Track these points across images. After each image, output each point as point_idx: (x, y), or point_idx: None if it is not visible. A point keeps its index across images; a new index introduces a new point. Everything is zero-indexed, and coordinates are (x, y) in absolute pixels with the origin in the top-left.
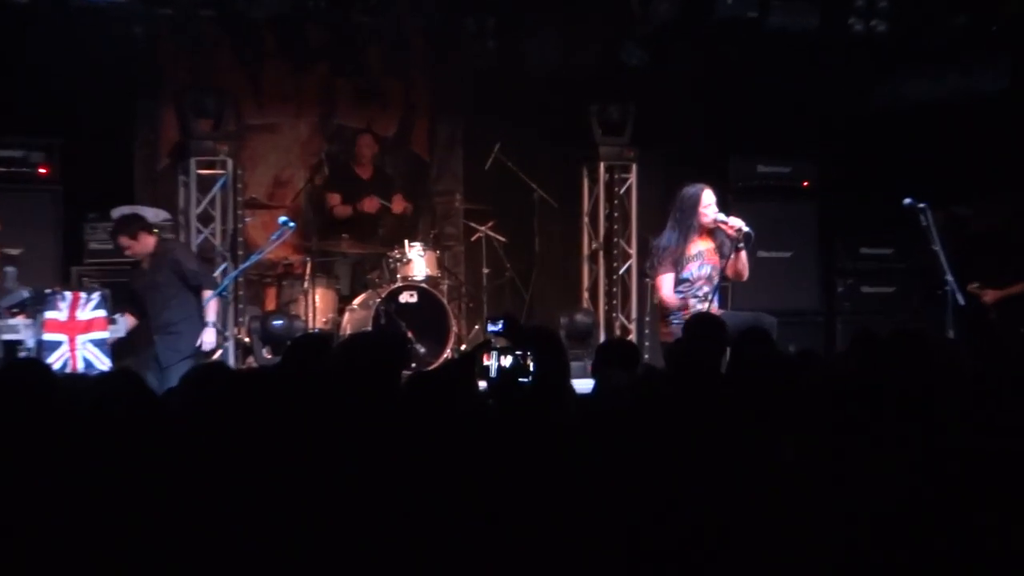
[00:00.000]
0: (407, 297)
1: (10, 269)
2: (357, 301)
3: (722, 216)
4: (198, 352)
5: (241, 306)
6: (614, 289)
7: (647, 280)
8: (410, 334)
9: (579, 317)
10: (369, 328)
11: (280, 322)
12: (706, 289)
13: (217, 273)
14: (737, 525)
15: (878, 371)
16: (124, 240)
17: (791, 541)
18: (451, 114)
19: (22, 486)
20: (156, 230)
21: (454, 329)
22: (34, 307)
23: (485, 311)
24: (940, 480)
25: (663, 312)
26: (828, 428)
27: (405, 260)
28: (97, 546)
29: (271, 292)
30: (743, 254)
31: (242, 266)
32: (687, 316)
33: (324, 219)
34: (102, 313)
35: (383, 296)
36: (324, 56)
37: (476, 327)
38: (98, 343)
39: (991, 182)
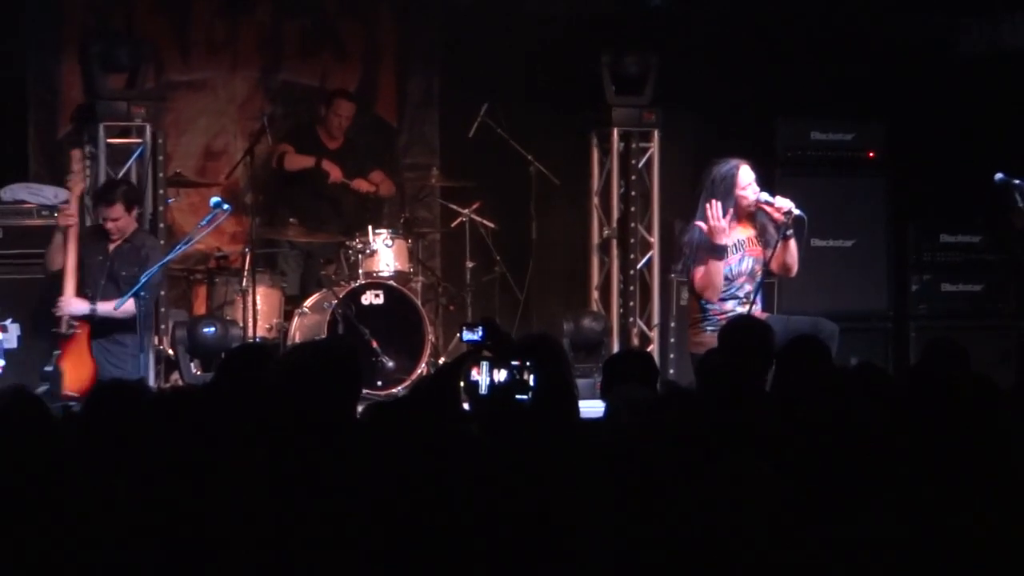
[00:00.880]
0: (371, 298)
1: None
2: (308, 303)
3: (766, 196)
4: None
5: (163, 310)
6: (631, 287)
7: (673, 277)
8: (375, 344)
9: (587, 322)
10: (323, 336)
11: (212, 329)
12: (748, 288)
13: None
14: None
15: (955, 389)
16: (120, 211)
17: None
18: (425, 66)
19: None
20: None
21: (430, 338)
22: None
23: (469, 315)
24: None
25: (694, 317)
26: (887, 466)
27: (368, 251)
28: None
29: (201, 292)
30: (792, 243)
31: (164, 258)
32: (724, 321)
33: (269, 193)
34: None
35: (341, 297)
36: None
37: (458, 336)
38: None
39: None
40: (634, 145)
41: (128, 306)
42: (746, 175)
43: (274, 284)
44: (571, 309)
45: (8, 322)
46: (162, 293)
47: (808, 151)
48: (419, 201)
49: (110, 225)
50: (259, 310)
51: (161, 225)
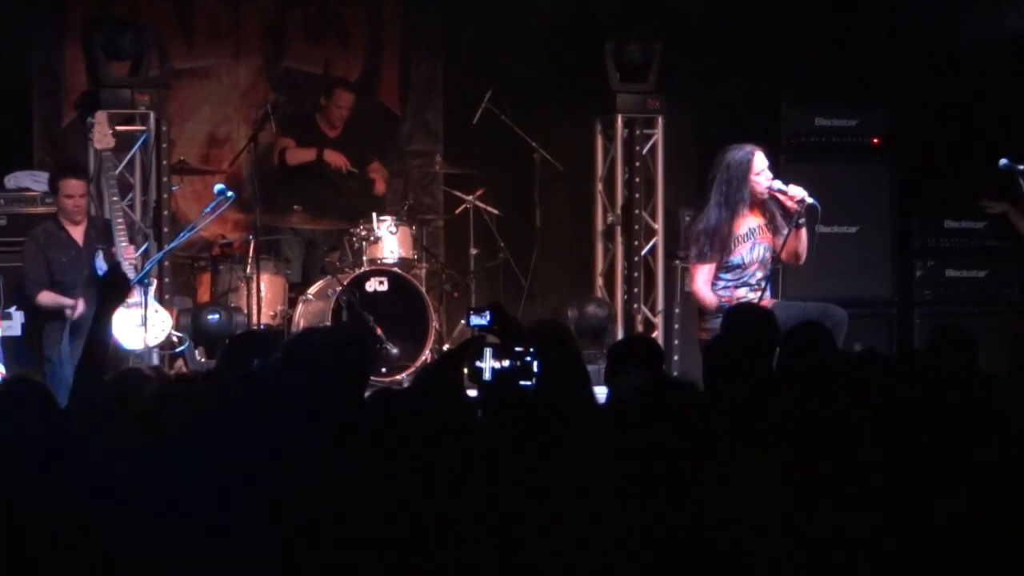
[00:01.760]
0: (375, 284)
1: None
2: (313, 290)
3: (779, 184)
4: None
5: (167, 297)
6: (635, 274)
7: (677, 263)
8: (379, 331)
9: (591, 309)
10: (327, 323)
11: (216, 316)
12: (760, 275)
13: (138, 255)
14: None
15: (963, 377)
16: (86, 187)
17: None
18: (428, 52)
19: None
20: None
21: (434, 324)
22: None
23: (473, 301)
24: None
25: (702, 307)
26: (894, 453)
27: (372, 238)
28: None
29: (205, 279)
30: (804, 232)
31: (168, 246)
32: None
33: (272, 180)
34: None
35: (345, 284)
36: None
37: (463, 322)
38: None
39: None
40: (638, 132)
41: None
42: (760, 161)
43: (278, 271)
44: (575, 296)
45: (12, 310)
46: (166, 280)
47: (812, 137)
48: (423, 188)
49: (78, 202)
50: (263, 297)
51: (165, 212)
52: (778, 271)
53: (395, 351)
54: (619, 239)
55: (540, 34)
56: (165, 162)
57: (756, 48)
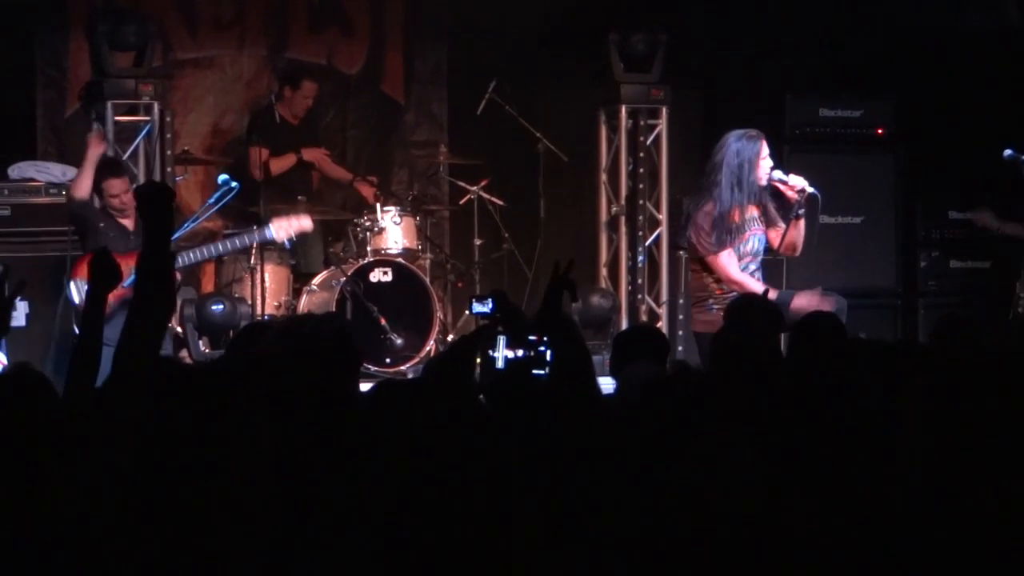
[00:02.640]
0: (379, 275)
1: None
2: (317, 280)
3: (779, 174)
4: None
5: None
6: (639, 264)
7: (681, 254)
8: (383, 322)
9: (595, 300)
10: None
11: (220, 307)
12: (753, 267)
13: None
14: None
15: (966, 367)
16: (128, 184)
17: None
18: (432, 42)
19: None
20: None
21: (439, 315)
22: None
23: (477, 292)
24: None
25: (699, 295)
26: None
27: (377, 229)
28: None
29: (209, 269)
30: (802, 223)
31: (172, 237)
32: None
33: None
34: None
35: (349, 274)
36: None
37: (467, 312)
38: None
39: None
40: (642, 122)
41: None
42: (765, 148)
43: (282, 262)
44: (579, 286)
45: (16, 300)
46: None
47: (816, 128)
48: (427, 178)
49: (123, 199)
50: (267, 288)
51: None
52: (782, 262)
53: (399, 342)
54: (623, 230)
55: (544, 24)
56: (169, 152)
57: (760, 38)
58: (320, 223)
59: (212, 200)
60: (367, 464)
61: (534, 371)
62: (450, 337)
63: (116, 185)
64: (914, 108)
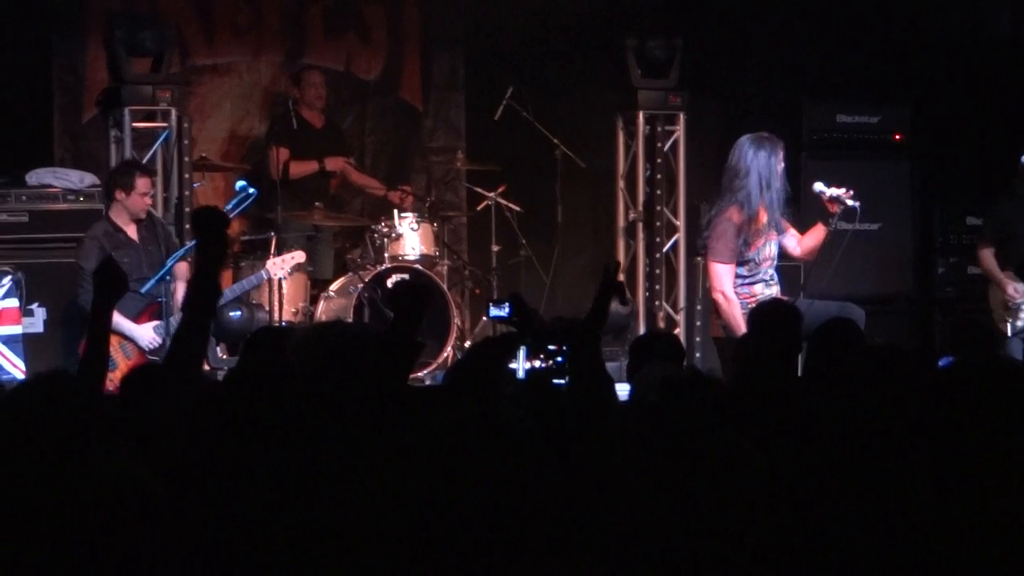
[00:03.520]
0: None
1: None
2: (335, 287)
3: (820, 186)
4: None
5: None
6: (656, 271)
7: (699, 260)
8: None
9: (613, 306)
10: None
11: (238, 313)
12: (771, 271)
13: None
14: None
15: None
16: (151, 185)
17: None
18: (450, 49)
19: None
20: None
21: (456, 321)
22: None
23: (495, 298)
24: None
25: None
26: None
27: (394, 235)
28: None
29: (226, 276)
30: (825, 229)
31: (189, 243)
32: (753, 304)
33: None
34: (13, 303)
35: (367, 280)
36: None
37: (484, 318)
38: (9, 340)
39: None
40: (660, 128)
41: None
42: (782, 152)
43: (299, 268)
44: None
45: (34, 306)
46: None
47: (834, 134)
48: (445, 184)
49: (148, 200)
50: (284, 294)
51: (187, 209)
52: (799, 268)
53: None
54: (640, 236)
55: (562, 30)
56: (187, 159)
57: (777, 44)
58: (341, 230)
59: (230, 206)
60: (391, 469)
61: (554, 380)
62: (467, 343)
63: (148, 183)
64: (931, 114)
